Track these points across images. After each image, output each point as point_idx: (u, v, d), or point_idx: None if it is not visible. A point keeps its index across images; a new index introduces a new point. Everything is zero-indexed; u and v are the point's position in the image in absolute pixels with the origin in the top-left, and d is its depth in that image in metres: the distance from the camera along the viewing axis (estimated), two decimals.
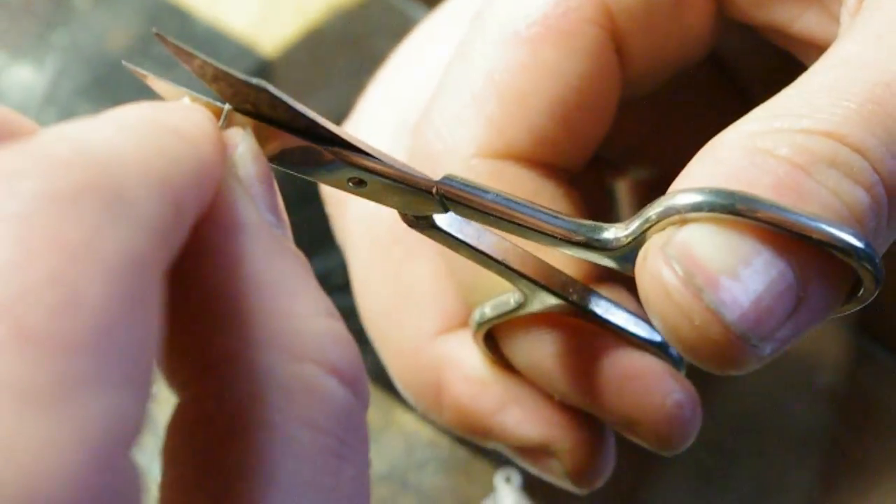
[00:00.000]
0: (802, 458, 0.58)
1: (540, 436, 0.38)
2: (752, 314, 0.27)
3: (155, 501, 0.21)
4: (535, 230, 0.31)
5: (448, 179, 0.30)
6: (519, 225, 0.31)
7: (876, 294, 0.29)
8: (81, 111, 0.63)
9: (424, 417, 0.44)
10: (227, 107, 0.26)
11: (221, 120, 0.25)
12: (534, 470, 0.42)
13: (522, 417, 0.38)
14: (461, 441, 0.56)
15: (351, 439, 0.22)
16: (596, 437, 0.38)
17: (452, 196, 0.31)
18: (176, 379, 0.23)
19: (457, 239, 0.33)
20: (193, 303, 0.22)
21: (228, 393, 0.21)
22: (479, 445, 0.56)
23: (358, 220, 0.42)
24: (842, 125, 0.26)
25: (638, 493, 0.56)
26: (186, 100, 0.24)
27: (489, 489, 0.54)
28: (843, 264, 0.27)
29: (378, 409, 0.56)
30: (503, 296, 0.36)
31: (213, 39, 0.67)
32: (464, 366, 0.38)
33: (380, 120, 0.44)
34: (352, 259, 0.44)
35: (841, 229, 0.26)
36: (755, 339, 0.27)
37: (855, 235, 0.27)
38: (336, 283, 0.60)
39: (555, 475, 0.40)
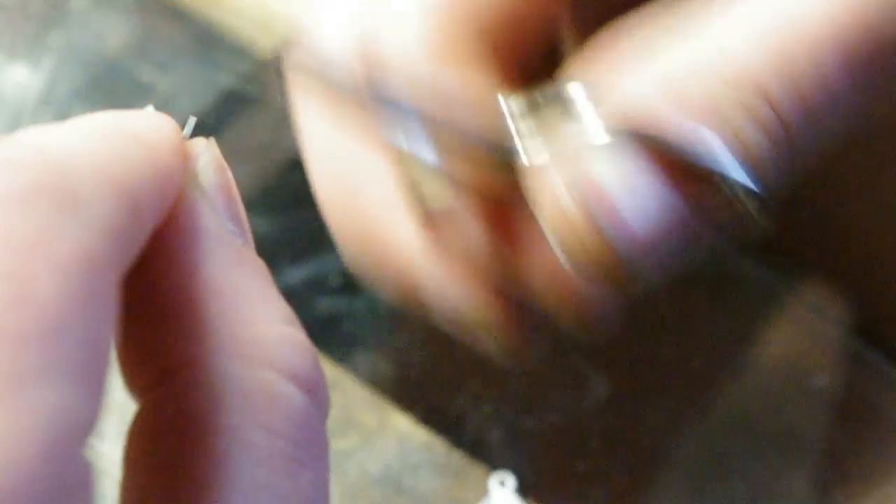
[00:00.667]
0: (796, 461, 0.58)
1: (472, 308, 0.37)
2: (640, 239, 0.28)
3: None
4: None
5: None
6: None
7: (761, 226, 0.31)
8: (77, 112, 0.63)
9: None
10: (193, 118, 0.26)
11: (187, 129, 0.26)
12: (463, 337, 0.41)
13: (454, 289, 0.37)
14: (456, 444, 0.56)
15: (309, 444, 0.22)
16: (522, 313, 0.38)
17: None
18: (136, 384, 0.23)
19: None
20: (152, 309, 0.23)
21: (187, 398, 0.22)
22: (474, 449, 0.56)
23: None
24: (753, 72, 0.29)
25: (631, 495, 0.57)
26: (151, 108, 0.25)
27: (483, 492, 0.54)
28: (733, 200, 0.29)
29: (372, 411, 0.56)
30: None
31: (210, 42, 0.67)
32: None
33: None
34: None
35: (735, 169, 0.29)
36: (641, 260, 0.29)
37: (748, 174, 0.29)
38: (333, 285, 0.60)
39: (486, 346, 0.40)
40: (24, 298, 0.16)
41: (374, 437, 0.56)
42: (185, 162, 0.24)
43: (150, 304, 0.23)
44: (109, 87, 0.64)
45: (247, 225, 0.25)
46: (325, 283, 0.60)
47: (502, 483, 0.55)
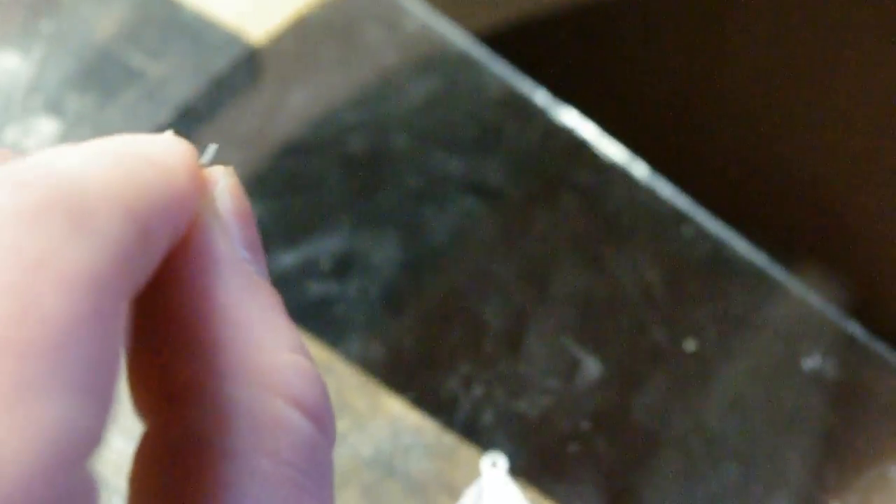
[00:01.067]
0: (789, 442, 0.58)
1: None
2: None
3: None
4: None
5: None
6: None
7: None
8: (68, 99, 0.63)
9: None
10: (213, 145, 0.26)
11: (206, 156, 0.26)
12: None
13: None
14: (448, 427, 0.56)
15: (314, 472, 0.22)
16: None
17: None
18: (143, 406, 0.23)
19: None
20: (163, 332, 0.23)
21: (194, 421, 0.22)
22: (466, 431, 0.56)
23: None
24: None
25: (622, 476, 0.57)
26: (170, 133, 0.25)
27: (475, 474, 0.54)
28: None
29: (364, 394, 0.56)
30: None
31: (201, 28, 0.67)
32: None
33: None
34: None
35: None
36: None
37: None
38: (323, 269, 0.60)
39: None
40: (29, 312, 0.16)
41: (366, 420, 0.56)
42: (202, 187, 0.24)
43: (161, 326, 0.23)
44: (100, 73, 0.64)
45: (262, 254, 0.25)
46: (316, 267, 0.60)
47: (494, 464, 0.55)
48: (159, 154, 0.23)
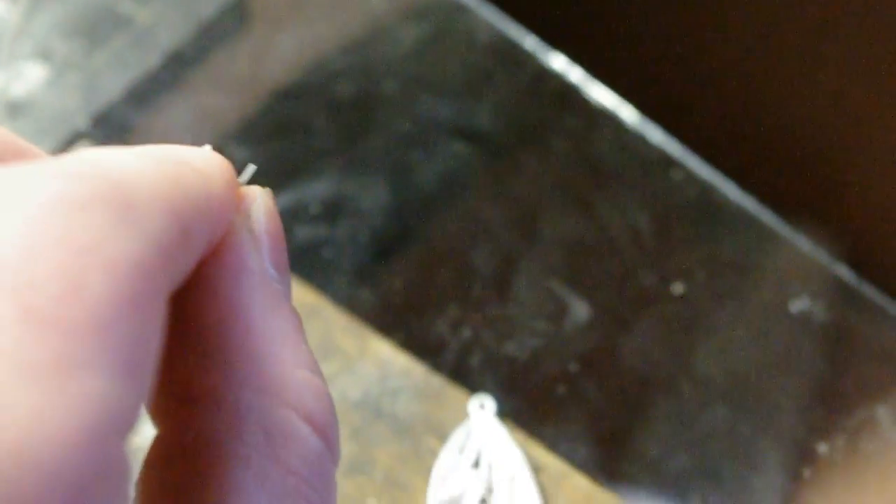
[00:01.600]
0: (778, 383, 0.58)
1: None
2: None
3: None
4: None
5: None
6: None
7: None
8: (56, 45, 0.63)
9: None
10: (252, 166, 0.27)
11: (244, 176, 0.27)
12: None
13: None
14: (436, 369, 0.56)
15: (319, 486, 0.23)
16: None
17: None
18: (158, 409, 0.24)
19: None
20: (185, 336, 0.23)
21: (209, 426, 0.22)
22: (454, 374, 0.57)
23: None
24: None
25: (610, 418, 0.57)
26: (209, 147, 0.26)
27: (463, 416, 0.55)
28: None
29: (353, 337, 0.56)
30: None
31: None
32: None
33: None
34: None
35: None
36: None
37: None
38: (312, 213, 0.60)
39: None
40: (77, 294, 0.17)
41: (354, 362, 0.56)
42: (238, 202, 0.25)
43: (184, 331, 0.23)
44: (88, 19, 0.64)
45: (289, 276, 0.26)
46: (305, 210, 0.60)
47: (482, 406, 0.55)
48: (200, 163, 0.23)
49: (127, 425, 0.18)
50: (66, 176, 0.19)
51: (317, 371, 0.25)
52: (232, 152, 0.61)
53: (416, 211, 0.61)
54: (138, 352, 0.18)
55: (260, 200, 0.26)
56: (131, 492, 0.18)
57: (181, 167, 0.22)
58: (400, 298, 0.59)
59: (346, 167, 0.61)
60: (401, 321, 0.58)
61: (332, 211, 0.60)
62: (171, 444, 0.23)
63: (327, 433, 0.24)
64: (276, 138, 0.62)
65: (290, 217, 0.59)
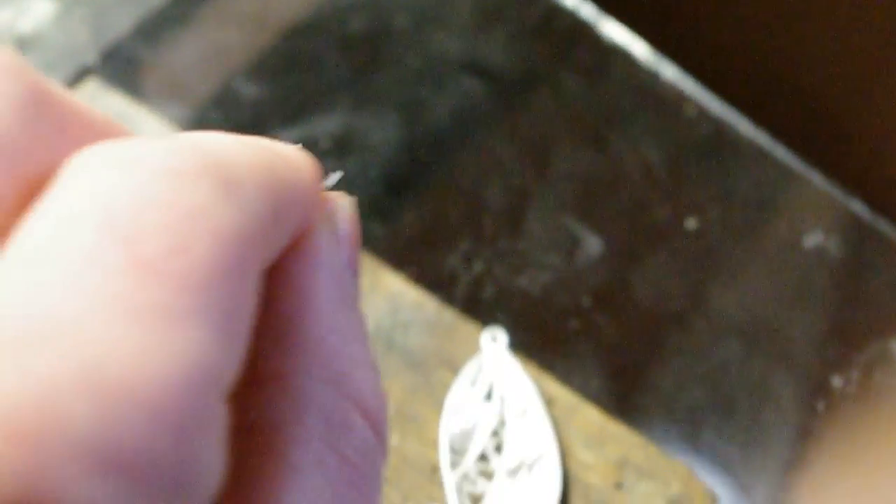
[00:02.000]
0: (792, 317, 0.58)
1: None
2: None
3: None
4: None
5: None
6: None
7: None
8: None
9: None
10: (339, 172, 0.28)
11: (330, 180, 0.27)
12: None
13: None
14: (448, 303, 0.56)
15: (369, 477, 0.24)
16: None
17: None
18: None
19: None
20: (259, 319, 0.24)
21: (272, 408, 0.23)
22: (466, 307, 0.56)
23: None
24: None
25: (621, 352, 0.56)
26: (300, 146, 0.26)
27: (475, 349, 0.54)
28: None
29: (364, 271, 0.56)
30: None
31: None
32: None
33: None
34: None
35: None
36: None
37: None
38: (322, 148, 0.59)
39: None
40: (184, 250, 0.18)
41: (366, 296, 0.55)
42: (323, 202, 0.26)
43: (259, 315, 0.24)
44: None
45: (359, 282, 0.27)
46: (315, 146, 0.59)
47: (494, 339, 0.54)
48: (293, 156, 0.24)
49: (223, 383, 0.18)
50: (175, 150, 0.20)
51: (376, 369, 0.26)
52: (241, 88, 0.60)
53: (428, 146, 0.61)
54: (237, 316, 0.19)
55: (343, 203, 0.27)
56: (224, 453, 0.19)
57: (274, 156, 0.23)
58: (411, 233, 0.58)
59: (357, 102, 0.61)
60: (412, 256, 0.57)
61: (343, 146, 0.59)
62: (234, 420, 0.23)
63: (380, 429, 0.25)
64: (285, 73, 0.61)
65: None
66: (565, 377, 0.55)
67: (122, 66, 0.61)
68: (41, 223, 0.18)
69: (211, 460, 0.18)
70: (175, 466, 0.17)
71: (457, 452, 0.53)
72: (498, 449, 0.54)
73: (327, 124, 0.58)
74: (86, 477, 0.16)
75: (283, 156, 0.24)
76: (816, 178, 0.61)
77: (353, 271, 0.26)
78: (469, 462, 0.53)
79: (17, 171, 0.20)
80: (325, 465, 0.23)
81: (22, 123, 0.21)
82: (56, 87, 0.21)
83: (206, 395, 0.18)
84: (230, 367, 0.19)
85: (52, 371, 0.16)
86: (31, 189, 0.20)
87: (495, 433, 0.54)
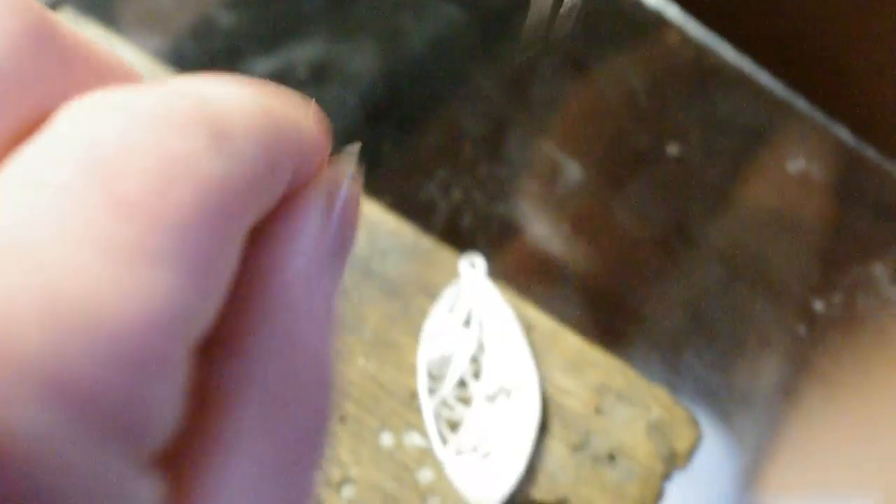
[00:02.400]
0: (774, 242, 0.57)
1: None
2: None
3: None
4: None
5: None
6: None
7: None
8: None
9: None
10: (356, 144, 0.26)
11: (346, 154, 0.26)
12: None
13: None
14: (426, 230, 0.55)
15: (305, 463, 0.23)
16: None
17: None
18: None
19: None
20: (237, 274, 0.24)
21: (220, 373, 0.22)
22: (444, 234, 0.56)
23: None
24: None
25: (600, 277, 0.56)
26: (314, 104, 0.25)
27: (454, 276, 0.54)
28: None
29: None
30: None
31: None
32: None
33: None
34: None
35: None
36: None
37: None
38: (299, 76, 0.59)
39: None
40: (164, 192, 0.18)
41: None
42: (324, 168, 0.25)
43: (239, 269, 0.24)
44: None
45: (347, 261, 0.26)
46: (293, 74, 0.59)
47: (472, 265, 0.54)
48: (300, 114, 0.24)
49: (190, 332, 0.18)
50: (165, 95, 0.19)
51: (335, 357, 0.24)
52: (218, 17, 0.59)
53: (406, 75, 0.60)
54: (213, 265, 0.19)
55: (347, 179, 0.25)
56: (180, 405, 0.18)
57: (276, 107, 0.22)
58: (389, 160, 0.58)
59: (335, 31, 0.60)
60: (390, 184, 0.57)
61: (320, 74, 0.59)
62: (196, 377, 0.23)
63: (324, 415, 0.24)
64: (263, 2, 0.60)
65: (277, 80, 0.58)
66: (545, 303, 0.55)
67: None
68: (22, 160, 0.18)
69: (164, 409, 0.18)
70: (127, 406, 0.17)
71: (435, 379, 0.53)
72: (476, 375, 0.53)
73: (305, 53, 0.57)
74: (31, 401, 0.15)
75: (287, 110, 0.23)
76: (800, 104, 0.60)
77: (339, 249, 0.25)
78: (447, 388, 0.53)
79: (12, 105, 0.20)
80: (257, 446, 0.22)
81: (21, 57, 0.21)
82: (64, 24, 0.21)
83: (169, 340, 0.17)
84: (200, 316, 0.18)
85: (8, 291, 0.16)
86: (31, 127, 0.20)
87: (474, 359, 0.53)
